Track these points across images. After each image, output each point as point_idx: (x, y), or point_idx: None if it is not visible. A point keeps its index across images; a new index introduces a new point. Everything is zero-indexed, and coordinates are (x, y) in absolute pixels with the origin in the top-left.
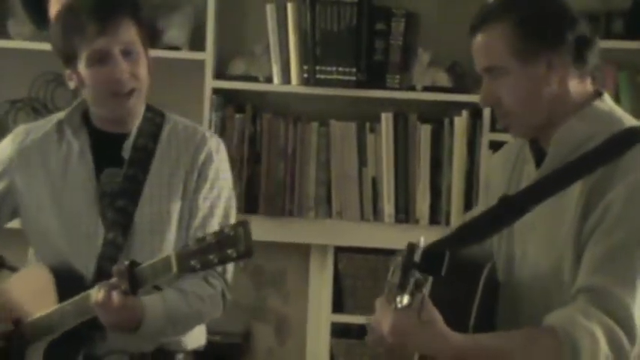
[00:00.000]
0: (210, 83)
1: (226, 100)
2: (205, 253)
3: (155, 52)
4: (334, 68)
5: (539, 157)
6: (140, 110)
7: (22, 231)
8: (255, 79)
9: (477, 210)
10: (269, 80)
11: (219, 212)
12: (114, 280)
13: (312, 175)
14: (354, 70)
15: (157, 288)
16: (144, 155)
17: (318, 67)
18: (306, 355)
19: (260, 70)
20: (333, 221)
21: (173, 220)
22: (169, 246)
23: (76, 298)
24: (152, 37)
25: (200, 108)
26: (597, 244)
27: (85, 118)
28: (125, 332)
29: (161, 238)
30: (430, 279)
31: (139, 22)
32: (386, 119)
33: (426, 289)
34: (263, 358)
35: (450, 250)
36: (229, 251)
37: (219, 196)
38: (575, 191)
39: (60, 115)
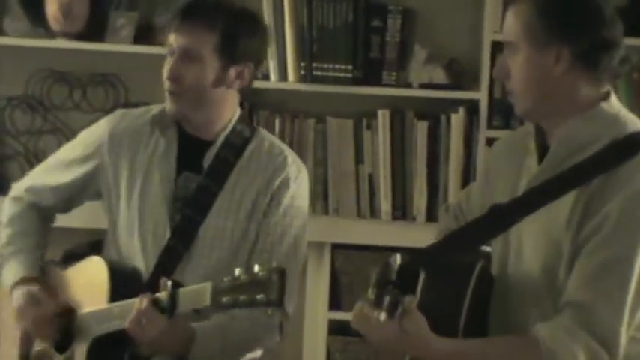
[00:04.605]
0: None
1: None
2: (237, 292)
3: (151, 49)
4: (331, 65)
5: (543, 152)
6: (193, 116)
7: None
8: None
9: (474, 189)
10: (266, 77)
11: (288, 240)
12: (157, 294)
13: (308, 172)
14: (350, 67)
15: (197, 312)
16: (223, 168)
17: (314, 64)
18: (303, 353)
19: None
20: (329, 218)
21: (233, 239)
22: (222, 264)
23: (126, 302)
24: (150, 34)
25: None
26: (591, 256)
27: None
28: (171, 354)
29: (218, 256)
30: (418, 289)
31: (221, 34)
32: (383, 116)
33: (409, 300)
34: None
35: (431, 264)
36: (259, 296)
37: (290, 224)
38: (570, 195)
39: (155, 108)
